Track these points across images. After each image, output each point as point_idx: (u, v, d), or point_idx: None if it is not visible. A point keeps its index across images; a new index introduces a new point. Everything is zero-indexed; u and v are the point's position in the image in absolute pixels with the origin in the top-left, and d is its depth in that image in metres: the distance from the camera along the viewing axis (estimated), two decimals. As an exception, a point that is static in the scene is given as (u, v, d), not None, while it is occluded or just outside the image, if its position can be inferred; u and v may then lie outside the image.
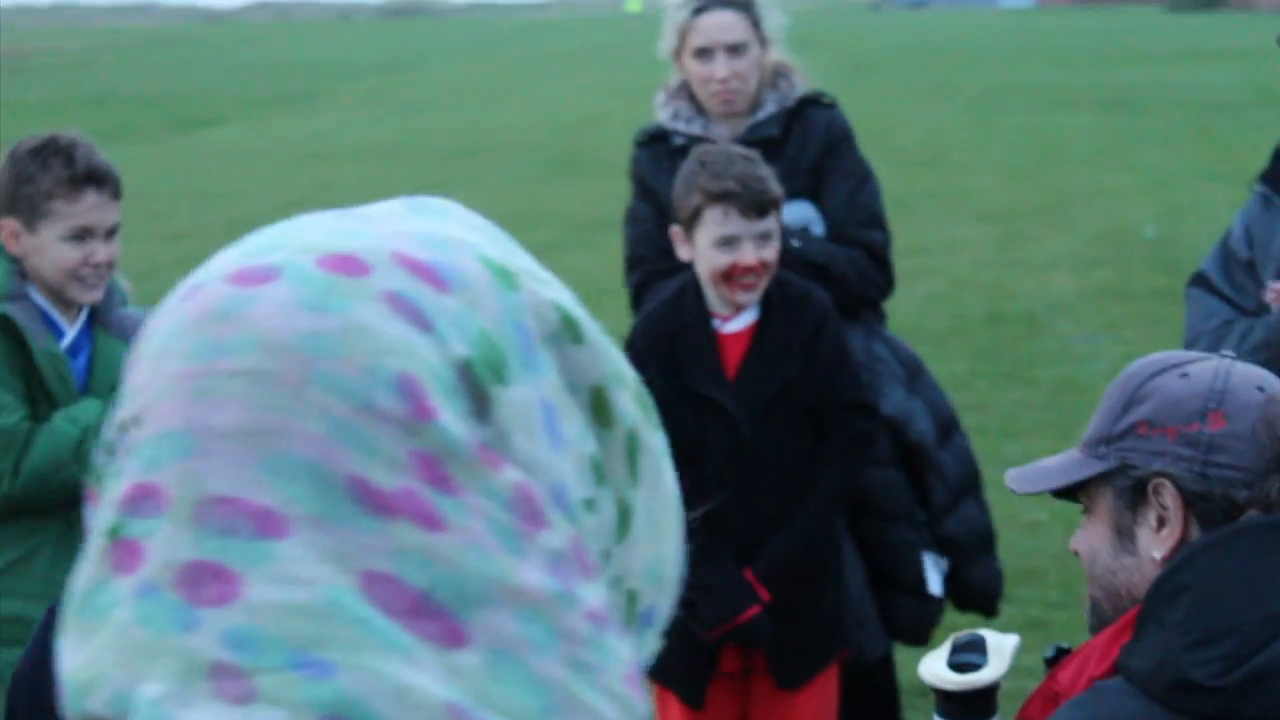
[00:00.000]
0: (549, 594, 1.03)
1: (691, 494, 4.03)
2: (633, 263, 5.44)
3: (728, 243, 4.70)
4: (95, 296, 4.50)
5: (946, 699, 3.01)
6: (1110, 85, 30.11)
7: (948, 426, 5.39)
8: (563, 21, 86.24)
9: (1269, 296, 4.46)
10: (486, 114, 31.08)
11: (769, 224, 4.73)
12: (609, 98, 33.55)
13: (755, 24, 5.35)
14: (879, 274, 5.37)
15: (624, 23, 59.25)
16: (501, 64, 48.59)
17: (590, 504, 1.10)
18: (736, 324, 4.87)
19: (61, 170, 4.46)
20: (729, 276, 4.73)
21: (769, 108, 5.39)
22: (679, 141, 5.29)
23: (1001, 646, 3.02)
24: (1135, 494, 2.60)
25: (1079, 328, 12.65)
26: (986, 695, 3.01)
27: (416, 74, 43.61)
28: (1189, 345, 4.72)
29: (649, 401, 1.19)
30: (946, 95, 28.82)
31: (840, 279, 5.20)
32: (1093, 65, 34.75)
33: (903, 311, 13.05)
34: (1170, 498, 2.55)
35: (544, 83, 40.30)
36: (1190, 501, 2.55)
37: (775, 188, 4.75)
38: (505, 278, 1.10)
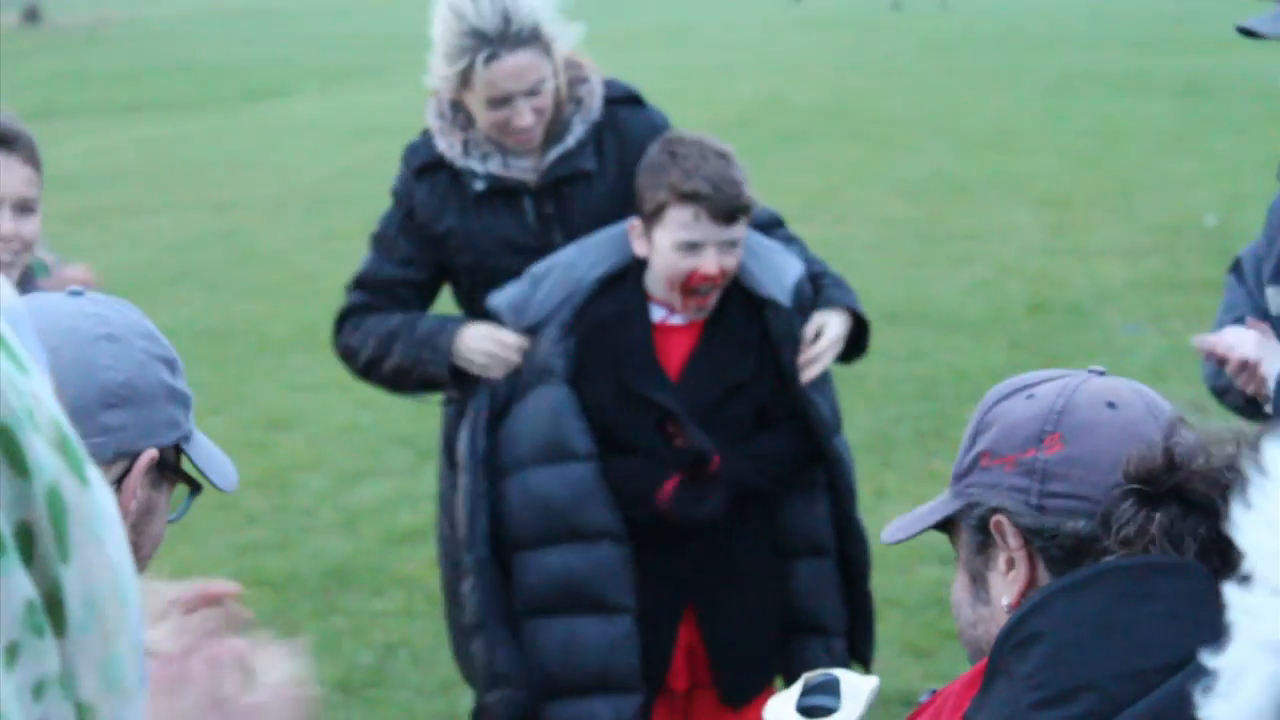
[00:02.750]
0: None
1: (630, 495, 3.82)
2: (359, 287, 4.79)
3: (691, 248, 4.38)
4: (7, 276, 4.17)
5: None
6: (1187, 71, 29.59)
7: None
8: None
9: (1249, 322, 4.18)
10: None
11: (737, 231, 4.41)
12: (684, 76, 33.25)
13: (548, 49, 4.53)
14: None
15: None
16: (579, 38, 48.18)
17: None
18: (684, 315, 4.57)
19: None
20: (686, 283, 4.43)
21: (576, 130, 4.61)
22: (479, 187, 4.58)
23: (858, 689, 2.74)
24: (983, 534, 2.30)
25: (1125, 318, 12.32)
26: None
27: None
28: None
29: (77, 452, 0.96)
30: (1019, 79, 28.35)
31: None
32: (1172, 50, 34.20)
33: (944, 299, 12.91)
34: (1012, 536, 2.26)
35: (620, 59, 40.00)
36: (1028, 539, 2.26)
37: (748, 192, 4.41)
38: None
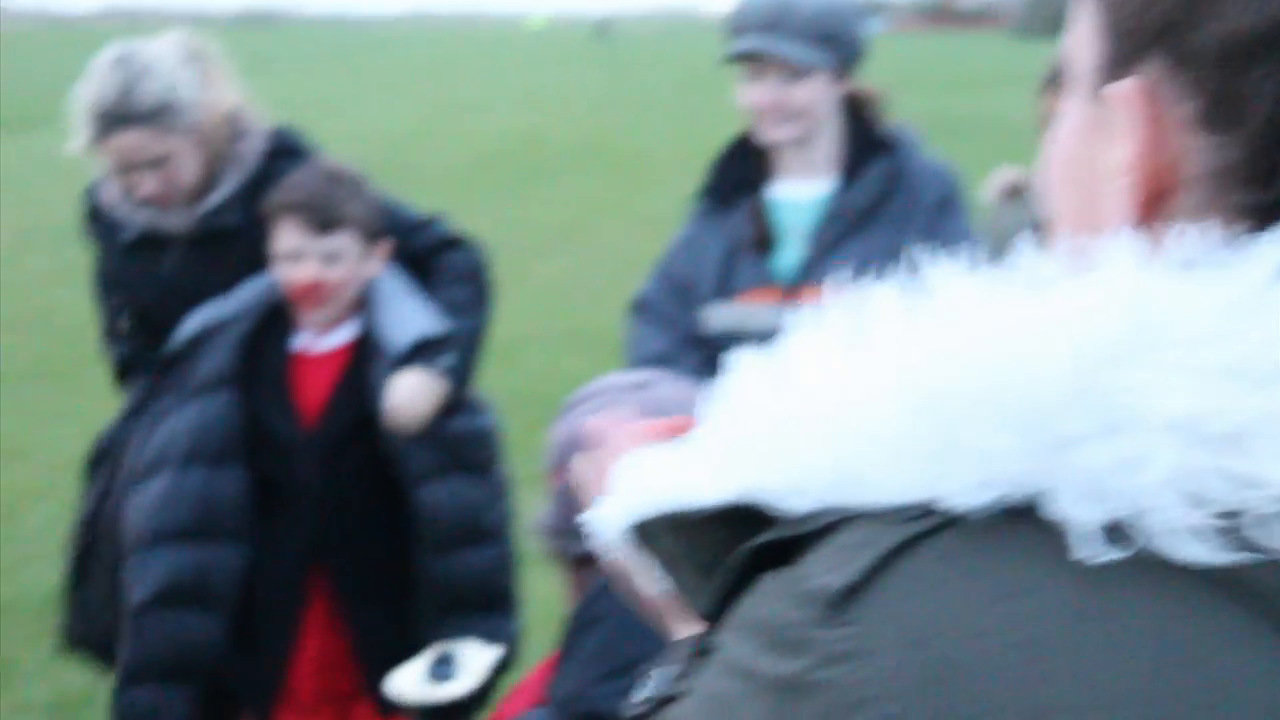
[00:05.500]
0: None
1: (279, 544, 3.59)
2: (112, 337, 4.81)
3: (292, 257, 4.33)
4: None
5: (424, 714, 2.85)
6: (946, 113, 30.17)
7: None
8: (414, 34, 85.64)
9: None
10: (319, 125, 30.72)
11: (336, 243, 4.33)
12: (444, 111, 33.31)
13: (171, 125, 4.41)
14: (467, 253, 4.70)
15: (521, 39, 58.82)
16: (345, 75, 48.19)
17: None
18: (330, 341, 4.47)
19: None
20: (292, 295, 4.37)
21: (226, 187, 4.56)
22: (127, 237, 4.58)
23: (477, 660, 2.85)
24: None
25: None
26: (452, 712, 2.84)
27: (256, 83, 43.08)
28: None
29: None
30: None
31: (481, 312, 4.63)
32: (931, 92, 34.83)
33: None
34: None
35: (383, 95, 40.04)
36: None
37: (348, 209, 4.35)
38: None
